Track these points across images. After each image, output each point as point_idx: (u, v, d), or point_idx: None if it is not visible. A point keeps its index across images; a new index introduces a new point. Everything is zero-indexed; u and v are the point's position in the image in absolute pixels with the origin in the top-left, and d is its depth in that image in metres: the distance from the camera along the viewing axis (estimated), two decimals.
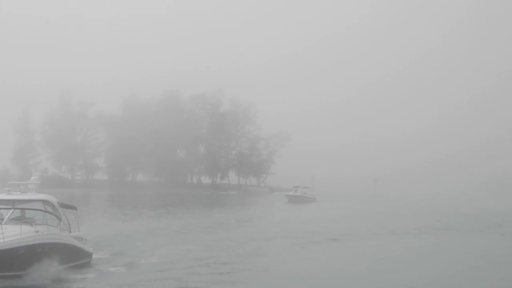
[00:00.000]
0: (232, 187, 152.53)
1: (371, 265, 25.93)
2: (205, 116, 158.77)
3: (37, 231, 20.03)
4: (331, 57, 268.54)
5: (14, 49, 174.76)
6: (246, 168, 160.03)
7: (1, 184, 44.39)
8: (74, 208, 24.81)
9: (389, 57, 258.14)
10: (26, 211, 21.65)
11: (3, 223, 19.83)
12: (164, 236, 34.30)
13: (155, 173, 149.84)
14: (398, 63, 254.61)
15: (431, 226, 43.91)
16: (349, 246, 32.46)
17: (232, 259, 26.41)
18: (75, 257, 22.57)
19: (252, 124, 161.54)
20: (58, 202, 23.13)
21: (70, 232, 23.32)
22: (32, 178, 24.05)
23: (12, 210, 20.88)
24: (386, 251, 30.44)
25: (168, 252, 27.68)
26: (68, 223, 23.35)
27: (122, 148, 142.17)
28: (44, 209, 21.62)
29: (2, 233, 18.69)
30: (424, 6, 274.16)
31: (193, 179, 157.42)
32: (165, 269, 23.20)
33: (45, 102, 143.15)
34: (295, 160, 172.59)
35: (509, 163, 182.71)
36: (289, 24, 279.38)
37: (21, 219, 20.80)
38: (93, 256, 24.45)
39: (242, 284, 21.19)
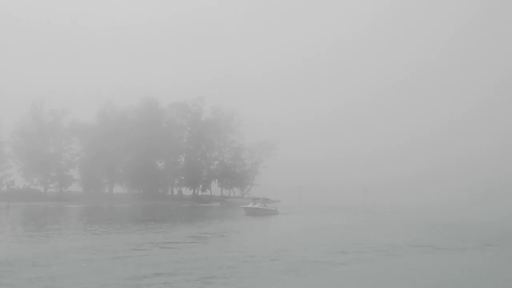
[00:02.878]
0: (214, 199, 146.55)
1: None
2: (185, 125, 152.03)
3: None
4: (323, 70, 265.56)
5: None
6: (229, 179, 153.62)
7: None
8: None
9: (381, 70, 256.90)
10: None
11: None
12: (92, 258, 27.47)
13: (133, 185, 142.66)
14: (388, 78, 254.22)
15: (394, 243, 36.79)
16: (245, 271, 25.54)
17: None
18: None
19: (236, 133, 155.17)
20: None
21: None
22: None
23: None
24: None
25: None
26: None
27: (98, 158, 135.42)
28: None
29: None
30: (424, 17, 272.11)
31: (174, 190, 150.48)
32: None
33: (17, 109, 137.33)
34: (281, 171, 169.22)
35: (502, 173, 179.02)
36: (283, 39, 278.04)
37: None
38: None
39: None
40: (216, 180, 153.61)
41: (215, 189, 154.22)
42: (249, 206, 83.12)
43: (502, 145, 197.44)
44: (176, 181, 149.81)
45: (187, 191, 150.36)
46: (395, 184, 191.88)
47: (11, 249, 31.95)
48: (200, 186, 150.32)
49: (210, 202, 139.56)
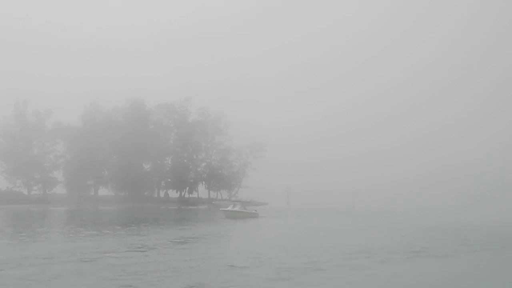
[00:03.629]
0: (201, 201, 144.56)
1: None
2: (172, 127, 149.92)
3: None
4: (316, 75, 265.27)
5: None
6: (216, 181, 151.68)
7: None
8: None
9: (375, 76, 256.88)
10: None
11: None
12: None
13: (118, 187, 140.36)
14: (383, 83, 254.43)
15: (366, 249, 34.79)
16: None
17: None
18: None
19: (223, 135, 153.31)
20: None
21: None
22: None
23: None
24: None
25: None
26: None
27: (83, 160, 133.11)
28: None
29: None
30: (422, 21, 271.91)
31: (160, 193, 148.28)
32: None
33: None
34: (271, 174, 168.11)
35: (499, 176, 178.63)
36: (278, 43, 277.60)
37: None
38: None
39: None
40: (203, 182, 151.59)
41: (202, 191, 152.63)
42: (228, 209, 79.61)
43: (499, 149, 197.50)
44: (162, 183, 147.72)
45: (174, 194, 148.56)
46: (388, 187, 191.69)
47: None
48: (187, 188, 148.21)
49: (197, 205, 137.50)
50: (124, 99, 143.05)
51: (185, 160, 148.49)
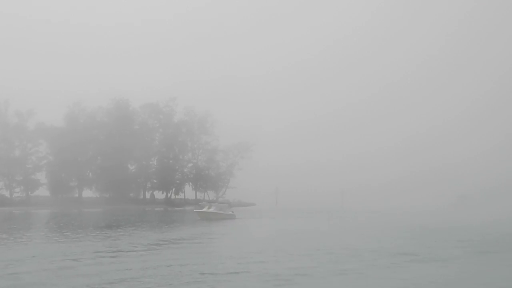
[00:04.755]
0: (188, 202, 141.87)
1: None
2: (157, 127, 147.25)
3: None
4: (306, 75, 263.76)
5: None
6: (203, 181, 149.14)
7: None
8: None
9: (367, 76, 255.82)
10: None
11: None
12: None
13: (103, 189, 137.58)
14: (375, 83, 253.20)
15: (353, 252, 32.61)
16: None
17: None
18: None
19: (210, 135, 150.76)
20: None
21: None
22: None
23: None
24: None
25: None
26: None
27: (66, 162, 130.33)
28: None
29: None
30: (417, 20, 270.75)
31: (146, 194, 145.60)
32: None
33: None
34: (258, 174, 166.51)
35: (488, 177, 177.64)
36: (269, 43, 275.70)
37: None
38: None
39: None
40: (190, 183, 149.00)
41: (189, 192, 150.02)
42: (203, 210, 76.49)
43: (490, 149, 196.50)
44: (148, 184, 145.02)
45: (160, 195, 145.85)
46: (377, 187, 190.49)
47: None
48: (173, 189, 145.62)
49: (184, 206, 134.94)
50: (108, 99, 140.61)
51: (171, 161, 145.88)
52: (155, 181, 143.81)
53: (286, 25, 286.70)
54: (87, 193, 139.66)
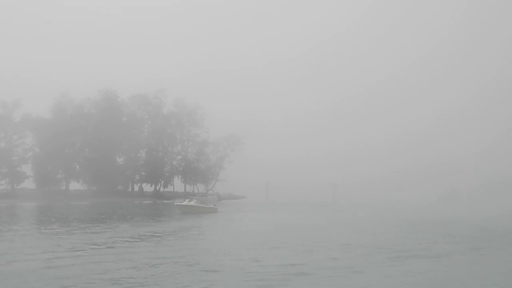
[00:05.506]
0: (177, 195, 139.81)
1: None
2: (146, 119, 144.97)
3: None
4: (301, 70, 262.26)
5: None
6: (193, 174, 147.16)
7: None
8: None
9: (357, 74, 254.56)
10: None
11: None
12: None
13: (91, 181, 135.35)
14: (368, 80, 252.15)
15: (345, 248, 31.02)
16: None
17: None
18: None
19: (200, 127, 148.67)
20: None
21: None
22: None
23: None
24: None
25: None
26: None
27: (53, 154, 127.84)
28: None
29: None
30: (413, 16, 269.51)
31: (134, 187, 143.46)
32: None
33: None
34: (250, 168, 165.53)
35: (482, 174, 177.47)
36: (264, 37, 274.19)
37: None
38: None
39: None
40: (179, 176, 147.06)
41: (178, 185, 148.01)
42: (183, 203, 74.14)
43: (484, 147, 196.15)
44: (136, 177, 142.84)
45: (148, 188, 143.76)
46: (370, 182, 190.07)
47: None
48: (162, 182, 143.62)
49: (173, 199, 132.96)
50: (96, 90, 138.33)
51: (160, 153, 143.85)
52: (143, 173, 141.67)
53: (281, 19, 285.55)
54: (75, 185, 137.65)
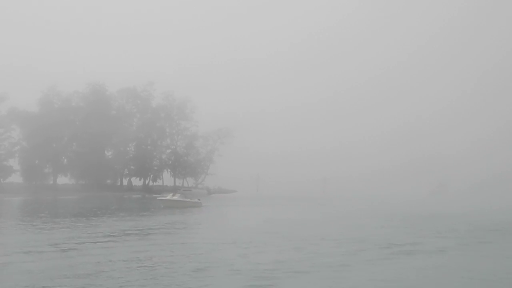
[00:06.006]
0: (166, 189, 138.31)
1: None
2: (135, 112, 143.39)
3: None
4: (292, 65, 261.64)
5: None
6: (182, 168, 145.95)
7: None
8: None
9: (349, 69, 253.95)
10: None
11: None
12: None
13: (79, 175, 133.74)
14: (361, 74, 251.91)
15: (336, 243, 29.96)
16: None
17: None
18: None
19: (189, 120, 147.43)
20: None
21: None
22: None
23: None
24: None
25: None
26: None
27: (40, 148, 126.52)
28: None
29: None
30: (403, 12, 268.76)
31: (123, 181, 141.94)
32: None
33: None
34: (240, 161, 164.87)
35: (469, 170, 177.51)
36: (256, 30, 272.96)
37: None
38: None
39: None
40: (169, 170, 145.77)
41: (167, 179, 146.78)
42: (167, 198, 72.52)
43: (475, 142, 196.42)
44: (125, 171, 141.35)
45: (137, 182, 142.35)
46: (360, 176, 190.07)
47: None
48: (151, 176, 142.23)
49: (162, 193, 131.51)
50: (84, 84, 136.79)
51: (149, 147, 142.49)
52: (132, 167, 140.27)
53: (273, 11, 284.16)
54: (63, 180, 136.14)
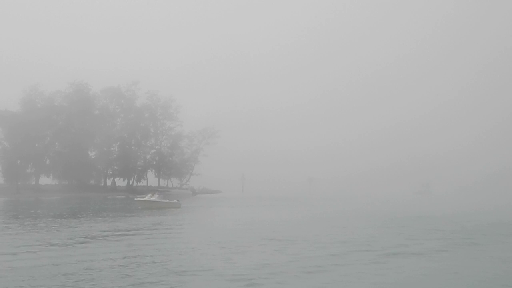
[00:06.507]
0: (151, 190, 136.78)
1: None
2: (119, 112, 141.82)
3: None
4: (283, 64, 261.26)
5: None
6: (167, 168, 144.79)
7: None
8: None
9: (337, 70, 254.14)
10: None
11: None
12: None
13: (62, 176, 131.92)
14: (347, 75, 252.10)
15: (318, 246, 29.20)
16: None
17: None
18: None
19: (174, 120, 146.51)
20: None
21: None
22: None
23: None
24: None
25: None
26: None
27: (22, 148, 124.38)
28: None
29: None
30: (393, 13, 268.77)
31: (107, 181, 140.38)
32: None
33: None
34: (226, 161, 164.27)
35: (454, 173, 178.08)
36: (243, 30, 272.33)
37: None
38: None
39: None
40: (153, 170, 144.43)
41: (152, 179, 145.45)
42: (144, 199, 70.42)
43: (461, 145, 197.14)
44: (109, 171, 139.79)
45: (121, 182, 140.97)
46: (345, 177, 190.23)
47: None
48: (135, 176, 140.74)
49: (146, 193, 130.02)
50: (67, 83, 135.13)
51: (133, 147, 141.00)
52: (116, 167, 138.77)
53: (262, 12, 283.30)
54: (46, 180, 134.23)
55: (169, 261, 22.87)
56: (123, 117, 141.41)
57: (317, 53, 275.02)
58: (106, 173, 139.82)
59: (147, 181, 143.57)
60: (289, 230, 37.60)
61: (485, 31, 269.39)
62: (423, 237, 33.17)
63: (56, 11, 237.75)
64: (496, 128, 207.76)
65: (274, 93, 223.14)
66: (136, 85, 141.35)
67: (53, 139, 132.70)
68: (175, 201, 71.65)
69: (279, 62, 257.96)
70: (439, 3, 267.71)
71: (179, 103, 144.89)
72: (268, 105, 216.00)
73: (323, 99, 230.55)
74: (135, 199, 74.22)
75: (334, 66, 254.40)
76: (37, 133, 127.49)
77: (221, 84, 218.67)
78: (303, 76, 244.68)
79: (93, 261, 22.49)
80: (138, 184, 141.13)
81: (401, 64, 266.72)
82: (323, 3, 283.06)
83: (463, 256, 25.50)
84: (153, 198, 69.21)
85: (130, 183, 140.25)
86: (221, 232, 36.00)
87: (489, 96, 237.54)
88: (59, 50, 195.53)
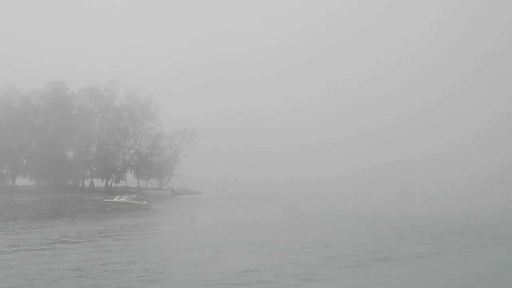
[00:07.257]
0: (130, 191, 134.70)
1: None
2: (97, 112, 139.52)
3: None
4: (268, 64, 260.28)
5: None
6: (146, 169, 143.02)
7: None
8: None
9: (322, 73, 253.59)
10: None
11: None
12: None
13: (39, 176, 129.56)
14: (336, 76, 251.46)
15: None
16: None
17: None
18: None
19: (153, 120, 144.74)
20: None
21: None
22: None
23: None
24: None
25: None
26: None
27: None
28: None
29: None
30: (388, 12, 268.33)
31: (85, 182, 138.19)
32: None
33: None
34: (206, 162, 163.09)
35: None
36: (228, 29, 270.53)
37: None
38: None
39: None
40: (132, 171, 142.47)
41: (131, 180, 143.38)
42: (113, 200, 69.42)
43: (445, 149, 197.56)
44: (87, 172, 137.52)
45: (100, 183, 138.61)
46: (327, 179, 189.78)
47: None
48: (114, 177, 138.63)
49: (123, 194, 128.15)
50: (44, 82, 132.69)
51: (112, 147, 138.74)
52: (94, 168, 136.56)
53: (252, 10, 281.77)
54: (22, 181, 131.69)
55: (138, 265, 21.63)
56: (101, 117, 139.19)
57: (298, 57, 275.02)
58: (84, 174, 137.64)
59: (126, 182, 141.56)
60: (271, 233, 36.48)
61: (474, 36, 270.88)
62: (405, 241, 32.26)
63: (36, 6, 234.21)
64: (484, 132, 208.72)
65: (260, 93, 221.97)
66: (114, 84, 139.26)
67: (30, 139, 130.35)
68: (145, 202, 69.78)
69: (262, 63, 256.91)
70: (431, 2, 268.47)
71: (159, 103, 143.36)
72: (253, 105, 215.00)
73: (309, 101, 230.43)
74: (103, 200, 72.45)
75: (317, 70, 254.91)
76: (13, 133, 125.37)
77: (206, 83, 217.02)
78: (288, 78, 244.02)
79: (61, 266, 21.19)
80: (117, 185, 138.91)
81: (388, 67, 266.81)
82: (313, 4, 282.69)
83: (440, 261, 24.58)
84: (122, 200, 67.55)
85: (109, 184, 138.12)
86: (191, 235, 34.80)
87: (478, 100, 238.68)
88: (39, 46, 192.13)
